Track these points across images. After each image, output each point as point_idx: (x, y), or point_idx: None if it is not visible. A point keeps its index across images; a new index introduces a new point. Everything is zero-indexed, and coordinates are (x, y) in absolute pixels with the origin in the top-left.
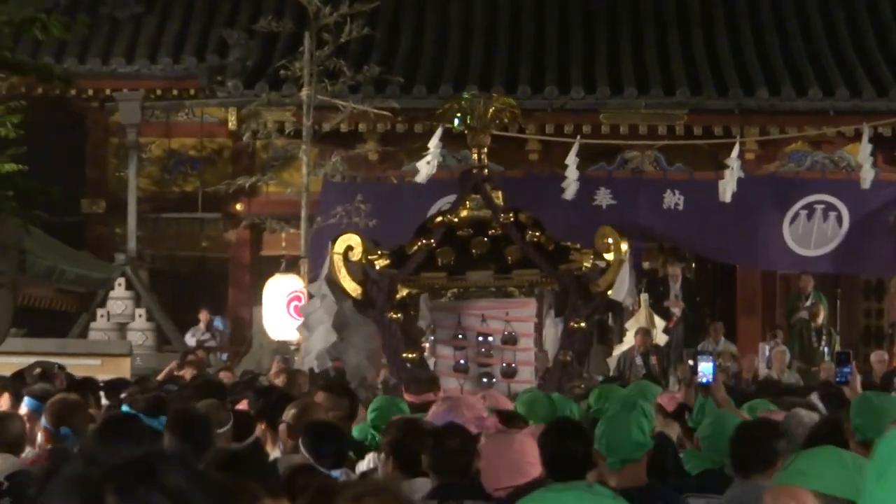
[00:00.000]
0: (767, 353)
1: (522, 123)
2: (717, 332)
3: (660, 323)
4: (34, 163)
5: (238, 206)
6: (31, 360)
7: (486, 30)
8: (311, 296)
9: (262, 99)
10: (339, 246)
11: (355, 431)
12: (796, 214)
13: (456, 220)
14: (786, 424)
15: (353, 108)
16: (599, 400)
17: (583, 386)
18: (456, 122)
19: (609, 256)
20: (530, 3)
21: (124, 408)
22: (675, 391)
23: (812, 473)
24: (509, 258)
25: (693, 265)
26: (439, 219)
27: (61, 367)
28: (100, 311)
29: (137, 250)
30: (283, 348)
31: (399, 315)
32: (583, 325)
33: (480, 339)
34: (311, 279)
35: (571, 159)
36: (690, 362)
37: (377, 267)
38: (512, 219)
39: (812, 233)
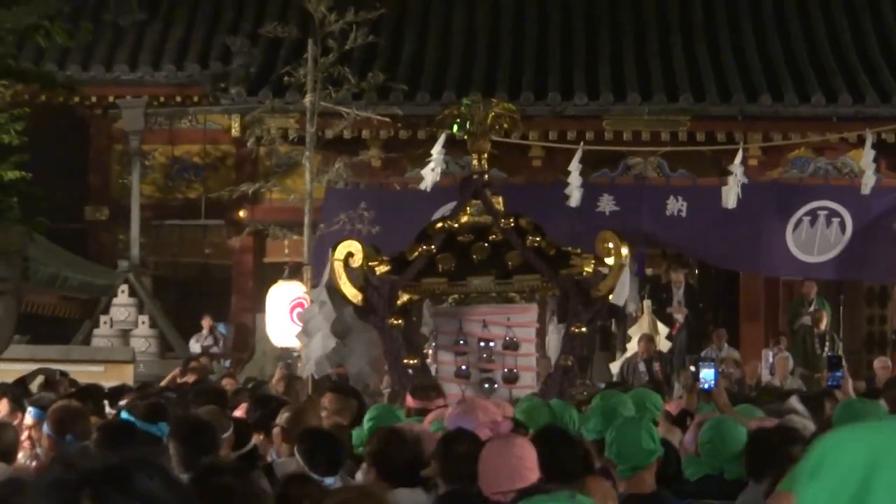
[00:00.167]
0: (770, 359)
1: (523, 129)
2: (720, 338)
3: (663, 329)
4: (38, 170)
5: (241, 213)
6: (35, 366)
7: (489, 36)
8: (311, 302)
9: (266, 106)
10: (340, 252)
11: (354, 438)
12: (799, 221)
13: (456, 225)
14: None
15: (357, 115)
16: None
17: (585, 392)
18: (455, 127)
19: (610, 261)
20: (533, 9)
21: (124, 414)
22: (681, 398)
23: None
24: (510, 263)
25: (696, 271)
26: (440, 225)
27: (63, 374)
28: (103, 318)
29: (141, 257)
30: (286, 355)
31: (400, 321)
32: (584, 330)
33: (482, 344)
34: (314, 286)
35: (574, 166)
36: (692, 368)
37: (378, 273)
38: (512, 224)
39: (815, 239)
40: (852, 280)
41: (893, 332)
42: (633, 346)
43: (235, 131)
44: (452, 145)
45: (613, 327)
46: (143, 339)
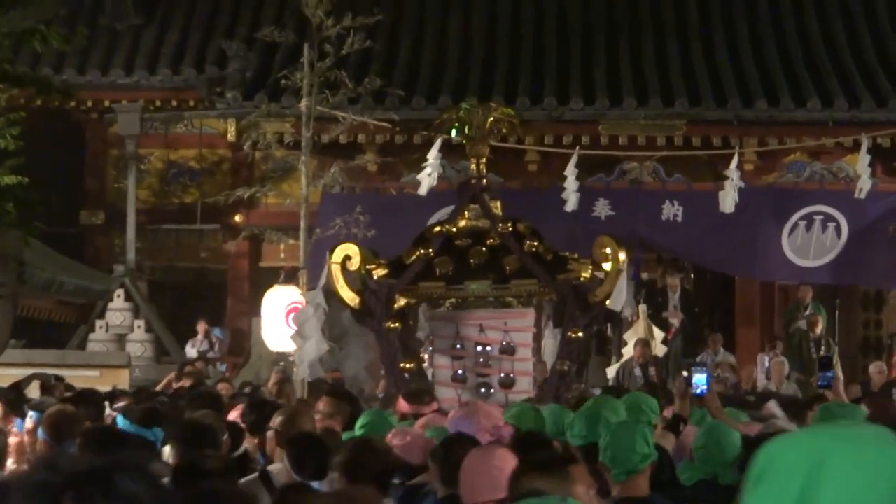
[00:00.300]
0: (766, 363)
1: (521, 134)
2: (715, 342)
3: (658, 334)
4: (33, 174)
5: (237, 218)
6: (30, 371)
7: (486, 41)
8: (306, 304)
9: (262, 110)
10: (338, 255)
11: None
12: (795, 225)
13: (454, 230)
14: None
15: (353, 120)
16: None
17: (572, 397)
18: (454, 132)
19: (607, 266)
20: (529, 14)
21: (119, 419)
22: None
23: None
24: (507, 268)
25: (692, 276)
26: (437, 229)
27: (59, 379)
28: (99, 323)
29: (136, 261)
30: (281, 359)
31: (397, 325)
32: (581, 335)
33: (479, 349)
34: (310, 290)
35: (570, 170)
36: (685, 374)
37: (375, 277)
38: (510, 229)
39: (811, 243)
40: (848, 284)
41: (889, 337)
42: (628, 351)
43: (231, 135)
44: (448, 150)
45: (609, 332)
46: (138, 343)
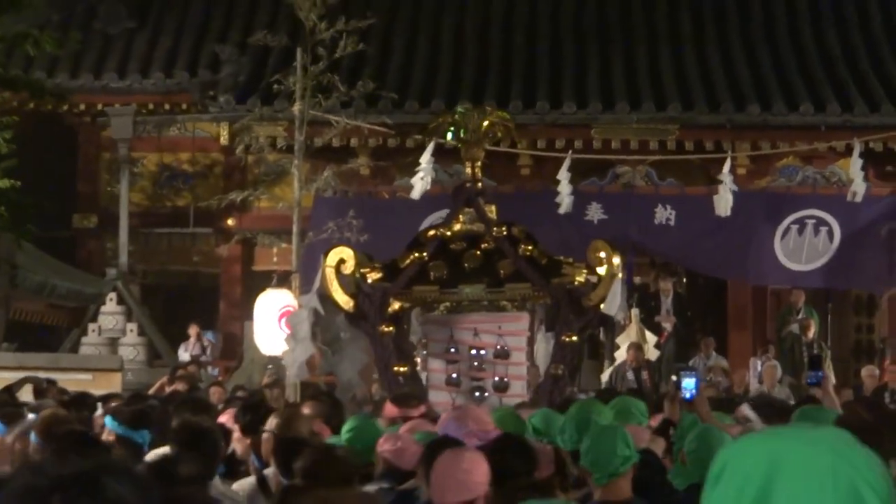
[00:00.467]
0: (759, 367)
1: (514, 138)
2: (707, 346)
3: (651, 338)
4: (26, 178)
5: (230, 221)
6: (23, 374)
7: (478, 45)
8: (300, 307)
9: (255, 114)
10: (332, 259)
11: None
12: (787, 229)
13: (449, 233)
14: None
15: (346, 124)
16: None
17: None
18: (449, 136)
19: (601, 270)
20: (522, 18)
21: (107, 420)
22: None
23: None
24: (502, 272)
25: (684, 280)
26: (432, 232)
27: (51, 382)
28: (91, 326)
29: (129, 265)
30: (274, 363)
31: (391, 328)
32: (574, 339)
33: (473, 352)
34: (303, 294)
35: (563, 174)
36: (674, 378)
37: (369, 280)
38: (504, 233)
39: (803, 247)
40: (840, 288)
41: (881, 341)
42: (621, 355)
43: (224, 139)
44: (441, 154)
45: (602, 336)
46: (131, 347)
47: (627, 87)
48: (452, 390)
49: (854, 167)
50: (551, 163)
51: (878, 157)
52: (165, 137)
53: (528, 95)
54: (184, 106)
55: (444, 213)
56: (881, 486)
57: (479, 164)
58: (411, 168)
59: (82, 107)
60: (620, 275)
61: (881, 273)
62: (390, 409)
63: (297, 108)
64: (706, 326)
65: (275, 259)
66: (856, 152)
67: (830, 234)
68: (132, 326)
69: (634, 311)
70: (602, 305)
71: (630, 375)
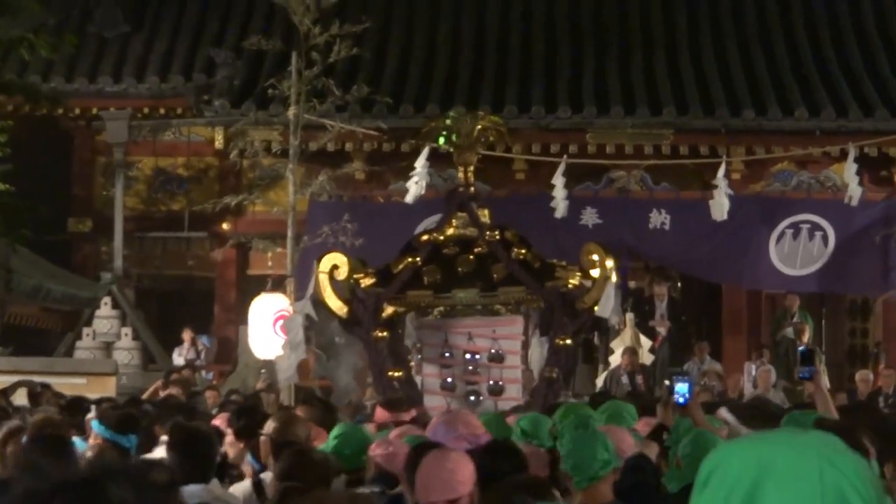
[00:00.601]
0: (753, 372)
1: (509, 142)
2: (702, 351)
3: (645, 342)
4: (21, 181)
5: (224, 225)
6: (17, 378)
7: (474, 50)
8: (295, 313)
9: (250, 118)
10: (325, 265)
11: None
12: (782, 234)
13: (442, 238)
14: None
15: (341, 128)
16: (564, 418)
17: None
18: (442, 140)
19: (595, 273)
20: (517, 22)
21: (95, 424)
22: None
23: None
24: (495, 276)
25: (679, 284)
26: (425, 237)
27: (45, 386)
28: (86, 330)
29: (124, 269)
30: (268, 367)
31: (385, 333)
32: (569, 342)
33: (467, 357)
34: (298, 298)
35: (558, 179)
36: (667, 382)
37: (363, 286)
38: (497, 236)
39: (798, 252)
40: (835, 293)
41: (875, 345)
42: (615, 359)
43: (219, 143)
44: (436, 158)
45: (596, 340)
46: (125, 351)
47: (622, 91)
48: (447, 395)
49: (849, 172)
50: (546, 167)
51: (872, 162)
52: (160, 141)
53: (523, 100)
54: (179, 110)
55: (438, 217)
56: (868, 491)
57: (471, 168)
58: (406, 172)
59: (77, 111)
60: (614, 277)
61: (875, 278)
62: (380, 413)
63: (291, 112)
64: (701, 331)
65: (269, 263)
66: (850, 157)
67: (825, 238)
68: (127, 330)
69: (629, 316)
70: (596, 308)
71: (625, 380)
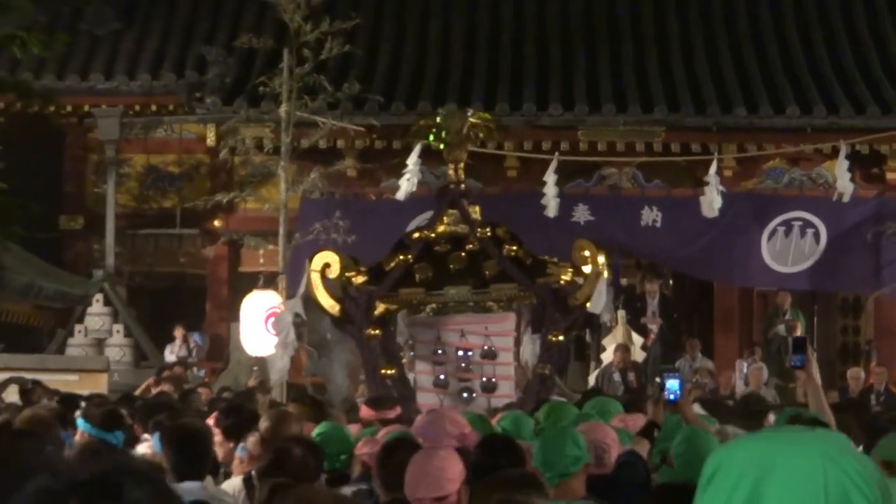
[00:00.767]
0: (745, 369)
1: (499, 139)
2: (693, 348)
3: (637, 339)
4: (12, 179)
5: (216, 223)
6: (9, 375)
7: (465, 47)
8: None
9: (241, 115)
10: (317, 263)
11: None
12: (774, 231)
13: (433, 235)
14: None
15: (332, 125)
16: (548, 417)
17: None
18: (431, 137)
19: (586, 269)
20: (509, 20)
21: (80, 422)
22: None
23: None
24: (487, 273)
25: (671, 282)
26: (417, 234)
27: (36, 383)
28: (77, 327)
29: (115, 266)
30: (260, 364)
31: (378, 331)
32: (561, 338)
33: (460, 354)
34: (290, 296)
35: (550, 176)
36: (658, 380)
37: (355, 284)
38: (489, 233)
39: (790, 250)
40: (826, 291)
41: (867, 343)
42: (607, 356)
43: (210, 141)
44: (428, 155)
45: (588, 337)
46: (117, 348)
47: (614, 89)
48: (440, 392)
49: (840, 169)
50: (538, 164)
51: (864, 159)
52: (152, 139)
53: (515, 97)
54: (170, 107)
55: (430, 214)
56: (872, 491)
57: (461, 165)
58: (398, 170)
59: (69, 108)
60: (606, 274)
61: (867, 275)
62: (366, 411)
63: (283, 109)
64: (692, 328)
65: (261, 260)
66: (842, 154)
67: (817, 236)
68: (118, 327)
69: (621, 313)
70: (588, 304)
71: (617, 377)
